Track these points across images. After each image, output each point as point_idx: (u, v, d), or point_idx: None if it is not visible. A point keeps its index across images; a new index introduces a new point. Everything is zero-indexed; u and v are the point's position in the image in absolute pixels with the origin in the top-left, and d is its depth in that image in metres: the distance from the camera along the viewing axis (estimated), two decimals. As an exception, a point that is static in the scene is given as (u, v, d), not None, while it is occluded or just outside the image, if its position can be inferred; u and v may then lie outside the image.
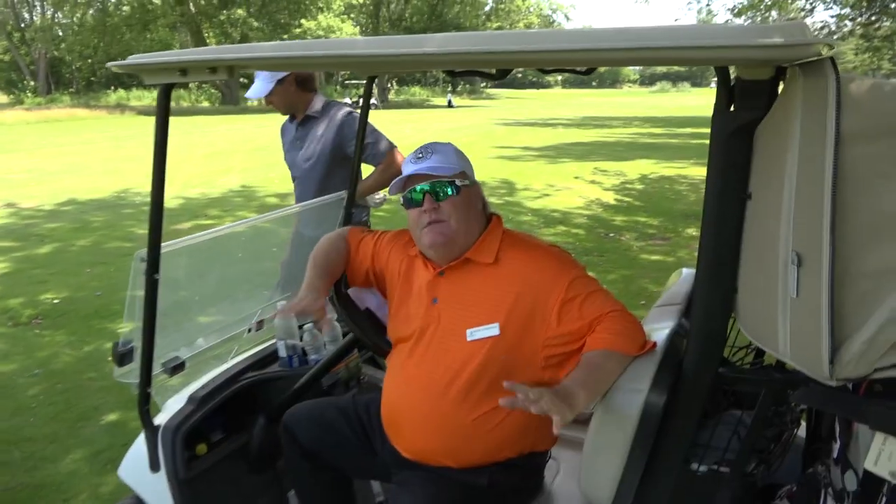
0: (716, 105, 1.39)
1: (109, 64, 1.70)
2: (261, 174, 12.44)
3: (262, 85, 3.19)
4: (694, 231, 7.86)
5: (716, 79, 1.38)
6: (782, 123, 1.28)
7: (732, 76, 1.38)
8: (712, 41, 1.11)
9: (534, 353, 1.68)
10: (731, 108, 1.37)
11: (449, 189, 1.74)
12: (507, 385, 1.40)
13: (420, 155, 1.77)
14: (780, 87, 1.36)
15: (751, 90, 1.34)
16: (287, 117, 3.48)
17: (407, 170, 1.77)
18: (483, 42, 1.26)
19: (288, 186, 3.68)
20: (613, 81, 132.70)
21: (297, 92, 3.27)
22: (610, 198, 10.44)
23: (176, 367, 2.14)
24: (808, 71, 1.22)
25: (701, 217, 1.46)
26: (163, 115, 1.72)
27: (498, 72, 1.53)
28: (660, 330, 1.71)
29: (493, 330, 1.69)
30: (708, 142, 1.41)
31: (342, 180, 3.18)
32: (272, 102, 3.31)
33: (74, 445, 3.50)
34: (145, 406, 2.02)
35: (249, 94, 3.28)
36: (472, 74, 1.60)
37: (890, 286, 1.19)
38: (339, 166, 3.26)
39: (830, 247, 1.19)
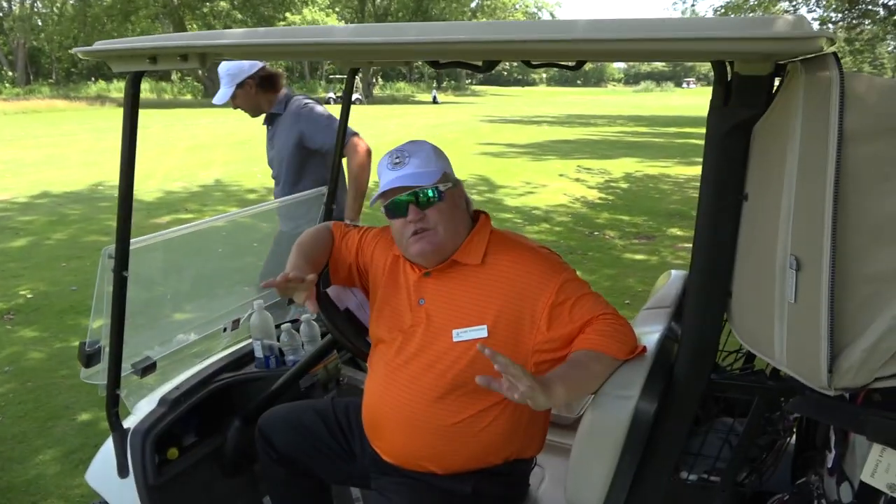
0: (712, 102, 1.33)
1: (75, 50, 1.61)
2: (243, 168, 12.29)
3: (224, 90, 3.23)
4: (678, 231, 7.85)
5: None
6: (782, 121, 1.23)
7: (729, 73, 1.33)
8: (713, 33, 1.06)
9: (523, 359, 1.62)
10: (728, 105, 1.31)
11: (432, 194, 1.64)
12: (484, 351, 1.32)
13: (397, 160, 1.66)
14: (777, 85, 1.31)
15: (749, 86, 1.28)
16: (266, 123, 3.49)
17: (385, 178, 1.67)
18: (465, 31, 1.20)
19: (271, 180, 3.61)
20: (598, 80, 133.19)
21: (259, 93, 3.26)
22: (594, 196, 10.43)
23: (147, 368, 2.06)
24: (810, 67, 1.18)
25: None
26: (131, 105, 1.64)
27: (484, 64, 1.46)
28: (649, 334, 1.66)
29: (480, 332, 1.63)
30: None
31: (316, 177, 3.19)
32: (239, 106, 3.33)
33: (44, 446, 3.40)
34: (114, 408, 1.94)
35: (215, 100, 3.28)
36: (458, 66, 1.54)
37: (892, 291, 1.15)
38: (309, 161, 3.25)
39: (831, 250, 1.14)
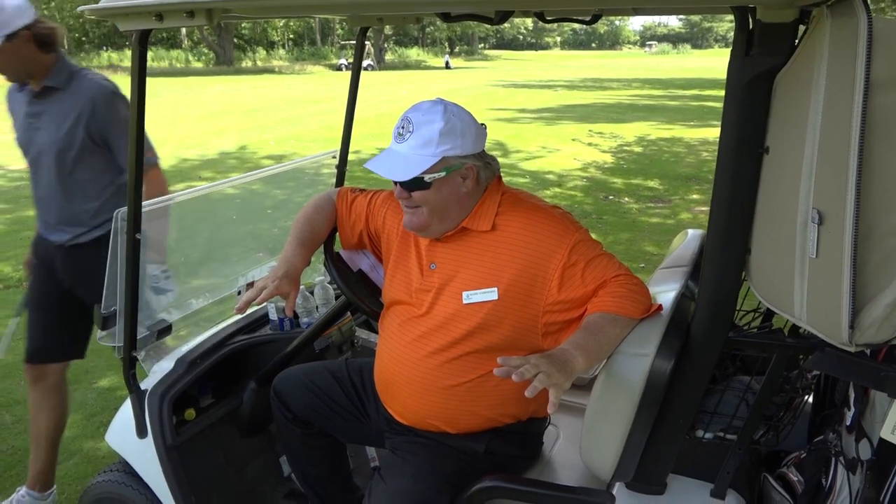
0: (733, 52, 1.29)
1: (81, 8, 1.59)
2: (256, 136, 12.26)
3: None
4: (694, 194, 7.77)
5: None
6: (806, 70, 1.18)
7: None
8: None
9: (533, 320, 1.61)
10: (750, 55, 1.27)
11: (417, 184, 1.60)
12: (500, 361, 1.33)
13: (401, 131, 1.61)
14: (802, 33, 1.26)
15: (772, 34, 1.24)
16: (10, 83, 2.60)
17: (390, 147, 1.63)
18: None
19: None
20: (613, 43, 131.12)
21: (35, 52, 2.40)
22: (608, 160, 10.33)
23: (162, 331, 2.08)
24: (837, 12, 1.13)
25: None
26: (139, 65, 1.62)
27: (497, 15, 1.42)
28: (666, 293, 1.64)
29: (490, 294, 1.61)
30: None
31: (95, 174, 2.50)
32: None
33: (66, 409, 3.46)
34: (131, 370, 1.96)
35: None
36: (470, 18, 1.49)
37: (916, 246, 1.12)
38: (94, 156, 2.49)
39: (855, 203, 1.11)
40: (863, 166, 1.10)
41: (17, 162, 9.89)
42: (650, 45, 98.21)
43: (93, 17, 1.60)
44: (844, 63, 1.10)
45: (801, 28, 1.27)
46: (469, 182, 1.65)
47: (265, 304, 2.37)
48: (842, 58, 1.11)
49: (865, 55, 1.08)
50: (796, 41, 1.26)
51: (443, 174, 1.60)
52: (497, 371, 1.32)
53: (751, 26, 1.27)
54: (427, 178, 1.59)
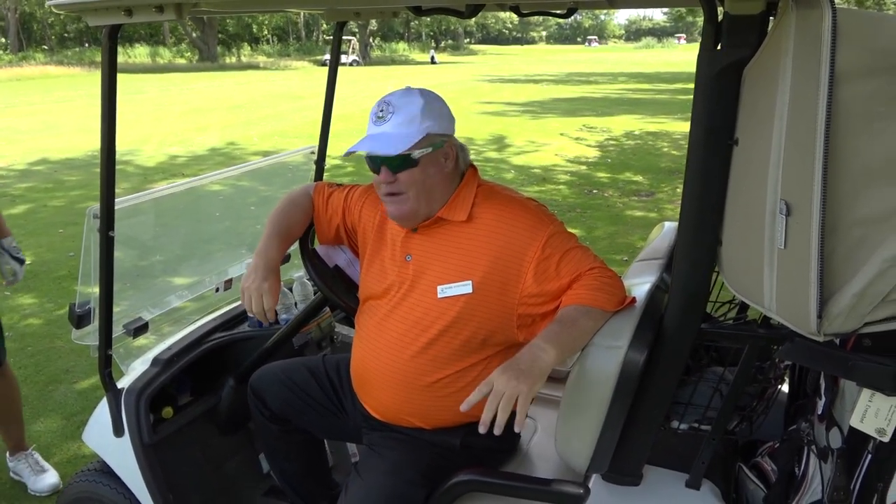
0: (702, 44, 1.29)
1: (50, 3, 1.57)
2: (239, 132, 12.18)
3: None
4: (679, 188, 7.79)
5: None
6: (773, 62, 1.19)
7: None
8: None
9: (508, 313, 1.61)
10: (718, 47, 1.27)
11: (405, 162, 1.59)
12: (463, 408, 1.40)
13: (381, 114, 1.61)
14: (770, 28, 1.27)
15: (739, 26, 1.24)
16: None
17: (368, 131, 1.62)
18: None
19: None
20: (598, 38, 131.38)
21: None
22: (594, 154, 10.35)
23: (139, 329, 2.06)
24: (802, 3, 1.13)
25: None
26: (109, 60, 1.60)
27: (468, 9, 1.41)
28: (640, 285, 1.64)
29: (465, 287, 1.61)
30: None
31: None
32: None
33: (46, 409, 3.44)
34: (107, 369, 1.94)
35: None
36: (440, 12, 1.48)
37: (882, 235, 1.12)
38: None
39: (822, 193, 1.11)
40: (829, 157, 1.10)
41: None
42: (590, 41, 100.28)
43: (61, 11, 1.58)
44: (810, 54, 1.10)
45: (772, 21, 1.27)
46: (450, 162, 1.66)
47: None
48: (807, 49, 1.11)
49: (830, 46, 1.08)
50: (765, 33, 1.26)
51: (429, 150, 1.60)
52: (464, 407, 1.40)
53: (719, 18, 1.27)
54: (415, 154, 1.58)
